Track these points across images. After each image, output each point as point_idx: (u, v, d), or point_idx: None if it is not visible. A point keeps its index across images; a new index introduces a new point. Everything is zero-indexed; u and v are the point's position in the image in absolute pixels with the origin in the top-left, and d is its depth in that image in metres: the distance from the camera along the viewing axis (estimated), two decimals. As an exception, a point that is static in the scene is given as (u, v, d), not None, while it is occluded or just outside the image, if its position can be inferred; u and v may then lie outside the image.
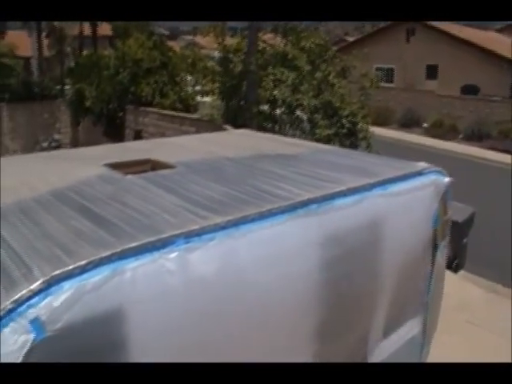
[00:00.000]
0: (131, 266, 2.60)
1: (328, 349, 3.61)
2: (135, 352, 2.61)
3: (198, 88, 18.12)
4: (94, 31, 31.28)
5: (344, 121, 12.54)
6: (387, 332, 4.17)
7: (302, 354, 3.48)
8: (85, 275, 2.48)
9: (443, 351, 6.10)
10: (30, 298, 2.36)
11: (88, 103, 18.33)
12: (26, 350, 2.27)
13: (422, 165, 4.46)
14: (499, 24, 58.36)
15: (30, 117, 20.68)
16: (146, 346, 2.65)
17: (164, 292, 2.69)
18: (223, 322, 2.96)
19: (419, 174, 4.31)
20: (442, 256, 4.65)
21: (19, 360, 2.26)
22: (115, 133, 17.22)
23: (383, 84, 32.47)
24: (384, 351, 4.15)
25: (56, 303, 2.37)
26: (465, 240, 9.44)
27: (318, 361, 3.56)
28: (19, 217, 3.29)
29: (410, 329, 4.47)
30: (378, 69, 34.42)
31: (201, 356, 2.87)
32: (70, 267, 2.48)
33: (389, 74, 38.47)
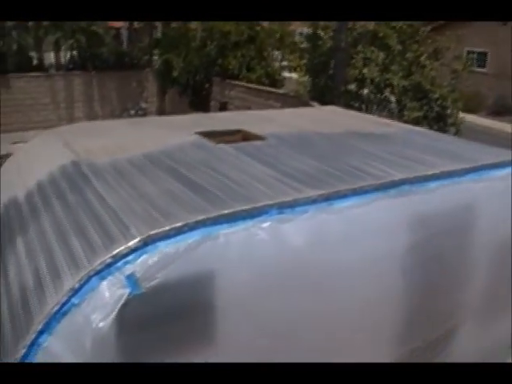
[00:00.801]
0: (225, 231, 2.64)
1: (413, 333, 3.54)
2: (222, 315, 2.64)
3: (284, 63, 18.04)
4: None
5: (433, 104, 12.16)
6: (480, 323, 4.05)
7: (384, 336, 3.43)
8: (179, 237, 2.53)
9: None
10: (127, 254, 2.44)
11: (175, 74, 18.55)
12: (121, 304, 2.34)
13: None
14: None
15: (119, 85, 21.16)
16: (233, 310, 2.68)
17: (255, 260, 2.71)
18: (308, 295, 2.94)
19: (517, 162, 4.12)
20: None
21: (114, 313, 2.34)
22: (201, 104, 17.41)
23: (474, 68, 31.18)
24: (475, 343, 4.03)
25: (151, 261, 2.43)
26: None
27: (399, 346, 3.51)
28: (115, 177, 3.38)
29: (504, 322, 4.32)
30: (469, 52, 33.01)
31: (282, 325, 2.87)
32: (166, 228, 2.54)
33: (480, 58, 36.87)
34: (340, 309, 3.09)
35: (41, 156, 4.57)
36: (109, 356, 2.36)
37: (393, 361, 3.49)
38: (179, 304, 2.51)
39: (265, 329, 2.80)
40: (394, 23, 13.58)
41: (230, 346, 2.73)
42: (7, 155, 6.42)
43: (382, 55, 12.81)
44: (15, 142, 11.63)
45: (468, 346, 3.96)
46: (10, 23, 18.73)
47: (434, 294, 3.60)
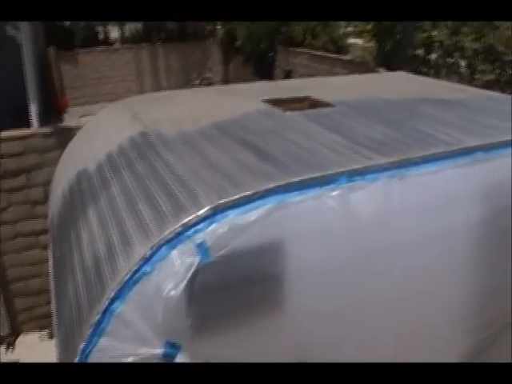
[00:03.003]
0: (294, 200, 2.58)
1: (484, 314, 3.41)
2: (291, 285, 2.61)
3: (349, 29, 17.62)
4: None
5: (507, 67, 11.64)
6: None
7: (457, 316, 3.32)
8: (249, 205, 2.50)
9: None
10: (196, 223, 2.42)
11: (238, 43, 18.51)
12: (191, 272, 2.35)
13: None
14: None
15: (183, 56, 21.29)
16: (302, 281, 2.64)
17: (324, 229, 2.65)
18: (378, 267, 2.86)
19: None
20: None
21: (184, 281, 2.35)
22: (265, 72, 17.27)
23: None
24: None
25: (221, 230, 2.41)
26: None
27: (471, 330, 3.39)
28: (184, 146, 3.38)
29: None
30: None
31: (348, 298, 2.82)
32: (236, 197, 2.52)
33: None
34: (410, 284, 3.00)
35: (110, 127, 4.63)
36: (179, 323, 2.38)
37: (463, 349, 3.38)
38: (249, 273, 2.50)
39: (332, 301, 2.76)
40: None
41: (298, 317, 2.70)
42: (77, 128, 6.58)
43: (452, 17, 12.33)
44: (83, 115, 11.93)
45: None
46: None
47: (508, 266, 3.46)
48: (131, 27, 21.64)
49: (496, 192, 3.29)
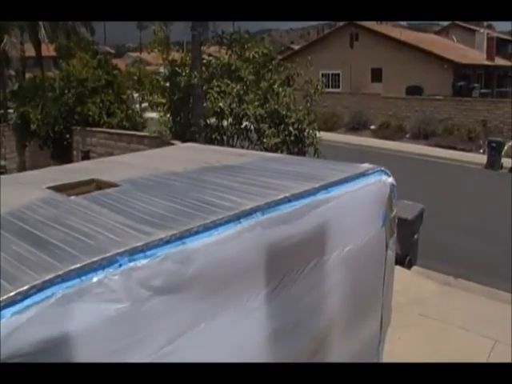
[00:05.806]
0: (75, 288, 2.57)
1: (283, 352, 3.64)
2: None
3: (145, 105, 18.03)
4: (38, 52, 30.65)
5: (291, 128, 12.64)
6: (347, 330, 4.24)
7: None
8: (27, 301, 2.44)
9: (400, 345, 6.24)
10: (-31, 330, 2.31)
11: (33, 127, 18.00)
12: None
13: (365, 166, 4.53)
14: (437, 26, 61.55)
15: (-26, 144, 20.23)
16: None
17: (109, 312, 2.67)
18: (170, 342, 2.96)
19: (363, 175, 4.37)
20: (391, 253, 4.74)
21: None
22: (63, 155, 16.94)
23: (330, 89, 33.06)
24: (345, 350, 4.21)
25: (-3, 332, 2.32)
26: (415, 236, 9.64)
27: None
28: (-40, 248, 3.22)
29: (368, 326, 4.55)
30: (323, 75, 34.76)
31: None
32: (12, 294, 2.44)
33: (335, 80, 39.13)
34: (203, 350, 3.12)
35: None
36: None
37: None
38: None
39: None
40: (246, 55, 14.05)
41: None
42: None
43: (237, 87, 13.16)
44: None
45: (339, 353, 4.13)
46: None
47: (296, 311, 3.73)
48: None
49: (277, 248, 3.55)
